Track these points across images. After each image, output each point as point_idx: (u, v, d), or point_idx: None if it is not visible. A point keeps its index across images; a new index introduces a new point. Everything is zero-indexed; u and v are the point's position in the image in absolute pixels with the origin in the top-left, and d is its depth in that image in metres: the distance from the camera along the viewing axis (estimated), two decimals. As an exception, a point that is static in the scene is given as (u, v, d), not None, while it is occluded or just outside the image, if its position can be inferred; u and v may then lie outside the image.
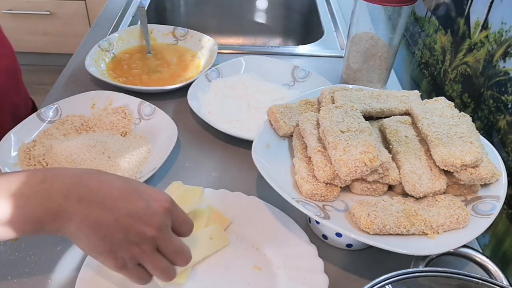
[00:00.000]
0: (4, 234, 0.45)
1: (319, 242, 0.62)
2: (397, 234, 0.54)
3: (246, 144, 0.74)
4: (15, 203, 0.44)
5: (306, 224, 0.65)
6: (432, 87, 0.90)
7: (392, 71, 0.95)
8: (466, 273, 0.46)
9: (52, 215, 0.44)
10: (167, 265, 0.47)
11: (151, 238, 0.45)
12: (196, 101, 0.84)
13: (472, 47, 0.76)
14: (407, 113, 0.68)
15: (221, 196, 0.67)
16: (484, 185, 0.59)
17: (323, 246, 0.62)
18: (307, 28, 1.35)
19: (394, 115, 0.67)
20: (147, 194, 0.47)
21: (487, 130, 0.70)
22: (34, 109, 0.96)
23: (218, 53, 0.96)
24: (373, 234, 0.53)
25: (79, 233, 0.44)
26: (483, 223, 0.54)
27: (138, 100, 0.82)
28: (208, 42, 1.01)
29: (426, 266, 0.53)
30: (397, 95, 0.70)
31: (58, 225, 0.44)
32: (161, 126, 0.78)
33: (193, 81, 0.88)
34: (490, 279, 0.46)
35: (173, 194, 0.61)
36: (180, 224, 0.49)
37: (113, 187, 0.46)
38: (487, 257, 0.54)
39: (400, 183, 0.59)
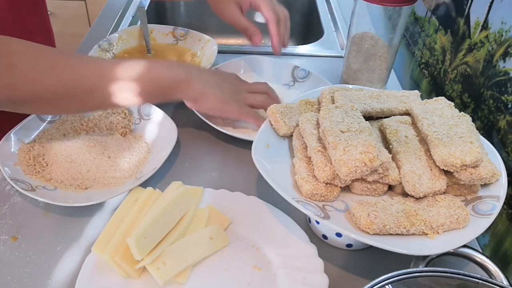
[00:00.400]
0: (134, 100, 0.65)
1: (319, 242, 0.62)
2: (397, 234, 0.54)
3: (246, 144, 0.74)
4: (149, 74, 0.64)
5: (306, 224, 0.65)
6: (432, 87, 0.90)
7: (392, 71, 0.95)
8: (466, 273, 0.46)
9: (183, 79, 0.64)
10: (263, 97, 0.76)
11: (246, 86, 0.75)
12: (196, 101, 0.84)
13: (472, 47, 0.76)
14: (407, 113, 0.68)
15: (221, 196, 0.67)
16: (484, 185, 0.59)
17: (323, 246, 0.62)
18: (307, 28, 1.35)
19: (394, 115, 0.67)
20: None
21: (487, 130, 0.70)
22: None
23: (218, 53, 0.96)
24: (373, 234, 0.53)
25: (207, 90, 0.67)
26: (483, 223, 0.54)
27: (138, 100, 0.82)
28: (208, 42, 1.01)
29: (426, 266, 0.53)
30: (397, 95, 0.70)
31: (185, 87, 0.65)
32: (161, 126, 0.78)
33: (193, 81, 0.88)
34: (490, 279, 0.46)
35: (173, 194, 0.61)
36: (256, 85, 0.79)
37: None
38: (487, 257, 0.54)
39: (400, 183, 0.58)
